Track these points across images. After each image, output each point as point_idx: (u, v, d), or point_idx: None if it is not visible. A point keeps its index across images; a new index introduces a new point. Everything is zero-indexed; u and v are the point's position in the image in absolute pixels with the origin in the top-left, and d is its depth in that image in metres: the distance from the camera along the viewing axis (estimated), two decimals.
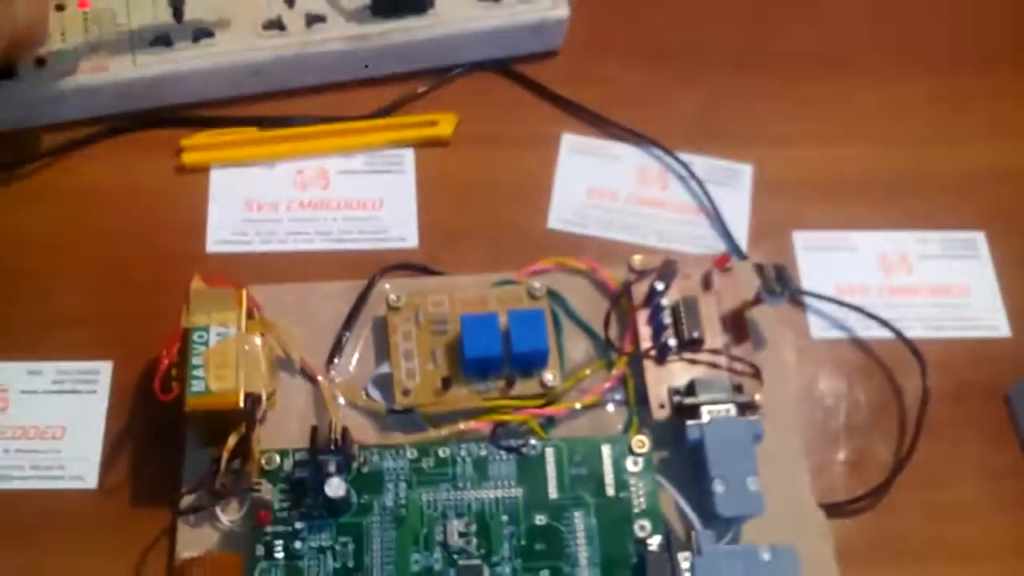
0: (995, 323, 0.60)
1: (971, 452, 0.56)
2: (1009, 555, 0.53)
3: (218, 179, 0.62)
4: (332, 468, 0.47)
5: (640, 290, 0.56)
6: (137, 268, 0.59)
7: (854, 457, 0.55)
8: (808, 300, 0.60)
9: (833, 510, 0.53)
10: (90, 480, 0.52)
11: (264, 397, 0.49)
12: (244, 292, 0.50)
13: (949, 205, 0.63)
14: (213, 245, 0.60)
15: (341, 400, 0.53)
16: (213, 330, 0.49)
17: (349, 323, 0.55)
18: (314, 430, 0.48)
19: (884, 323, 0.58)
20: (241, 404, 0.48)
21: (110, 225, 0.60)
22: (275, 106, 0.64)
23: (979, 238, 0.62)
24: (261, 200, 0.61)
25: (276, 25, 0.62)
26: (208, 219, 0.60)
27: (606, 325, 0.55)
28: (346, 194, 0.62)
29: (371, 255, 0.59)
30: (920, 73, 0.68)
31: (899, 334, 0.58)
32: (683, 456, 0.52)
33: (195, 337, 0.49)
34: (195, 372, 0.48)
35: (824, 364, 0.58)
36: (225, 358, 0.48)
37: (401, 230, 0.61)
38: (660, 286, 0.55)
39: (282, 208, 0.61)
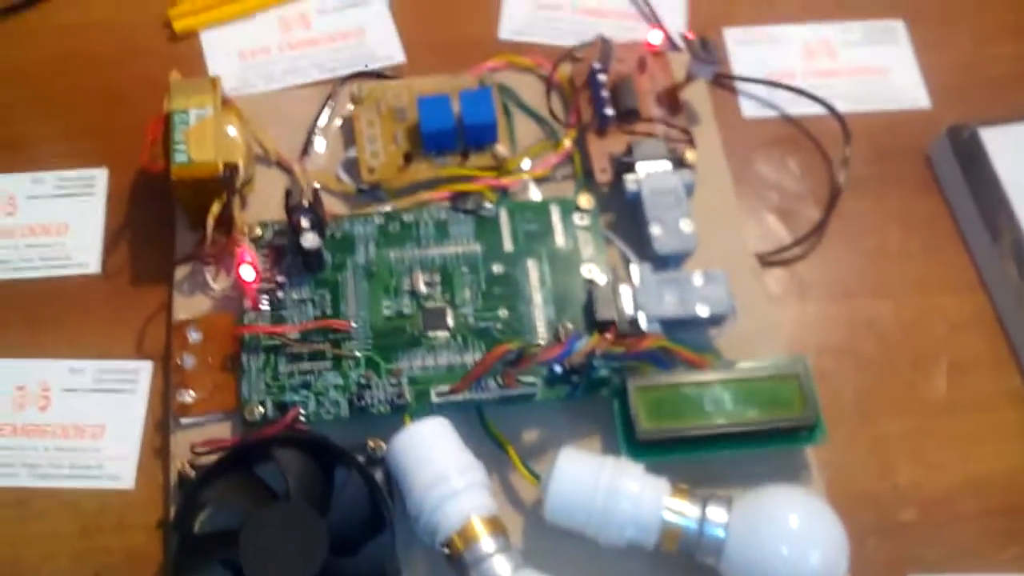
0: (915, 96, 0.65)
1: (895, 204, 0.61)
2: (934, 290, 0.58)
3: (209, 40, 0.67)
4: (306, 224, 0.53)
5: (580, 76, 0.61)
6: (130, 95, 0.64)
7: (785, 214, 0.61)
8: (738, 84, 0.65)
9: (766, 258, 0.59)
10: (93, 266, 0.58)
11: (241, 167, 0.54)
12: (218, 78, 0.56)
13: None
14: None
15: (316, 184, 0.59)
16: (192, 112, 0.54)
17: (318, 119, 0.61)
18: (288, 191, 0.53)
19: (811, 96, 0.63)
20: (220, 171, 0.53)
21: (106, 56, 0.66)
22: None
23: (898, 26, 0.67)
24: (253, 48, 0.66)
25: None
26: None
27: (548, 102, 0.61)
28: (328, 29, 0.67)
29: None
30: None
31: (825, 104, 0.63)
32: (626, 215, 0.58)
33: (176, 118, 0.54)
34: (178, 147, 0.53)
35: (755, 138, 0.63)
36: (204, 134, 0.54)
37: (387, 50, 0.66)
38: (598, 66, 0.60)
39: (274, 51, 0.66)
